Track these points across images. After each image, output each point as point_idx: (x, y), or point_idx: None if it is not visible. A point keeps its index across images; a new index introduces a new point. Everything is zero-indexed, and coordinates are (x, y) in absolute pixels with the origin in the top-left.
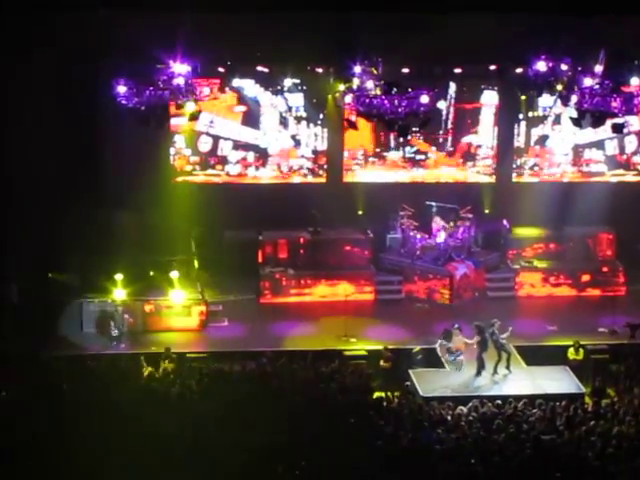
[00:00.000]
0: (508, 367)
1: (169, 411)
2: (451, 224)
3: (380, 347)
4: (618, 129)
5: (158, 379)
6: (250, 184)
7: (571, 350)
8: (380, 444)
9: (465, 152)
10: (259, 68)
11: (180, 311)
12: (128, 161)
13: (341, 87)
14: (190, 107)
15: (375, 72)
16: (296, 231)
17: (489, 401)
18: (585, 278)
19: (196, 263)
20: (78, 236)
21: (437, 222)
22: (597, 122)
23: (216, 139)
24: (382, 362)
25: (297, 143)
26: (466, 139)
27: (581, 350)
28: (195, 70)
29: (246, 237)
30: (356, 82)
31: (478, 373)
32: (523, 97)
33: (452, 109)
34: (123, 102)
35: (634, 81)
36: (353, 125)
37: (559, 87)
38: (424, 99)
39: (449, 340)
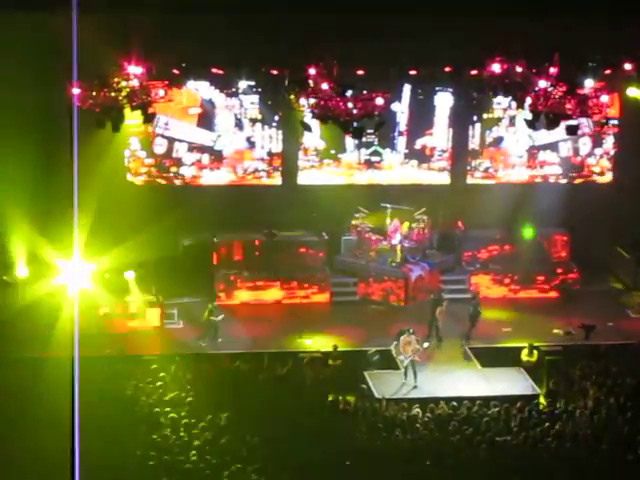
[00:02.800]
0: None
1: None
2: (406, 225)
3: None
4: (572, 131)
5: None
6: (205, 186)
7: (525, 352)
8: (335, 446)
9: (420, 154)
10: (214, 70)
11: (135, 313)
12: (82, 163)
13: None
14: (144, 109)
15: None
16: (251, 233)
17: (444, 402)
18: (539, 279)
19: (151, 265)
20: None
21: (392, 224)
22: (551, 124)
23: (171, 141)
24: (331, 361)
25: (252, 145)
26: (421, 141)
27: (535, 352)
28: (150, 72)
29: (201, 239)
30: (311, 84)
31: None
32: (477, 99)
33: (407, 111)
34: (77, 104)
35: (588, 83)
36: (308, 127)
37: (513, 89)
38: (379, 101)
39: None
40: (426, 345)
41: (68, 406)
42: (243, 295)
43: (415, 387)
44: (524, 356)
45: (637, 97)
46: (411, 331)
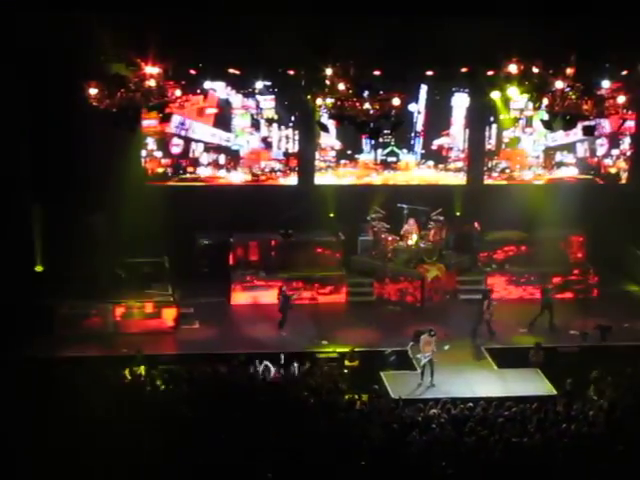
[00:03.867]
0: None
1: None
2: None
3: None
4: (589, 132)
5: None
6: (221, 186)
7: (532, 351)
8: (351, 445)
9: (436, 154)
10: (231, 70)
11: (151, 313)
12: (100, 163)
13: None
14: (162, 109)
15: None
16: (267, 233)
17: (460, 403)
18: (556, 281)
19: (167, 265)
20: (49, 237)
21: (409, 224)
22: (568, 125)
23: (187, 141)
24: (347, 361)
25: (268, 145)
26: (437, 141)
27: (541, 351)
28: (166, 72)
29: (217, 239)
30: (328, 84)
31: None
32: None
33: (423, 111)
34: (94, 104)
35: (605, 84)
36: (325, 127)
37: (530, 90)
38: (396, 101)
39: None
40: (446, 348)
41: None
42: (259, 295)
43: (433, 386)
44: (533, 356)
45: None
46: (432, 333)
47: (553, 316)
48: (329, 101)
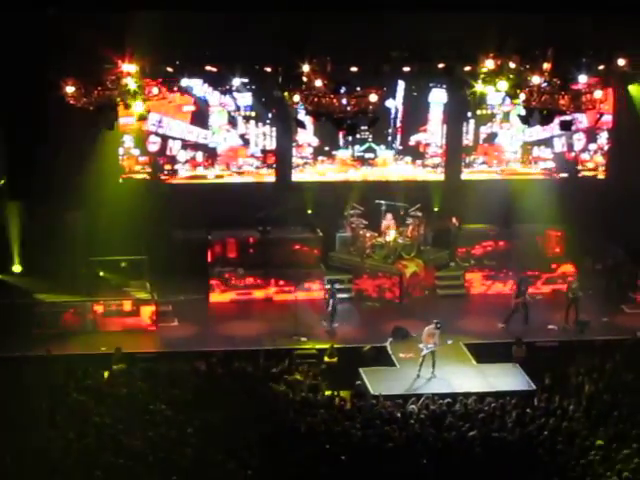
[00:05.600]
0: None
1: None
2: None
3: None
4: (566, 126)
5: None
6: (199, 184)
7: (515, 347)
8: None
9: (414, 150)
10: (207, 68)
11: (130, 311)
12: (77, 161)
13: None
14: (139, 107)
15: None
16: (245, 230)
17: (440, 399)
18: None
19: (145, 263)
20: (26, 236)
21: (387, 220)
22: (545, 120)
23: (165, 139)
24: (327, 358)
25: (246, 142)
26: (415, 137)
27: (523, 346)
28: (143, 70)
29: (195, 237)
30: (304, 81)
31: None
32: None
33: (401, 107)
34: (72, 102)
35: (582, 78)
36: (302, 124)
37: (507, 85)
38: (373, 98)
39: (399, 338)
40: (450, 342)
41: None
42: (237, 292)
43: (434, 377)
44: (516, 351)
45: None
46: (439, 325)
47: (578, 312)
48: (306, 98)
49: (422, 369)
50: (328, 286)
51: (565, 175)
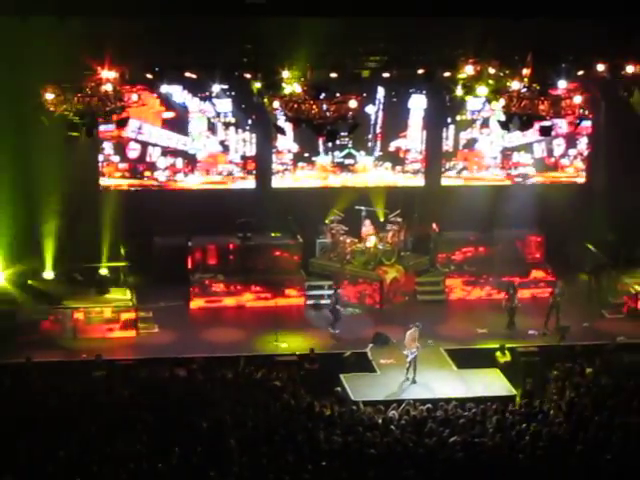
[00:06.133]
0: (407, 378)
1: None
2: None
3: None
4: (546, 132)
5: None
6: (179, 190)
7: (498, 353)
8: (312, 449)
9: (394, 156)
10: (187, 74)
11: (110, 318)
12: (56, 168)
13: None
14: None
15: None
16: (225, 237)
17: (420, 404)
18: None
19: (126, 270)
20: (3, 242)
21: (367, 226)
22: (525, 125)
23: (144, 145)
24: (307, 365)
25: (225, 149)
26: (395, 143)
27: (507, 352)
28: (123, 76)
29: (175, 243)
30: (284, 87)
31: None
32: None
33: (381, 113)
34: (51, 109)
35: (561, 84)
36: (281, 130)
37: (487, 90)
38: (352, 104)
39: (380, 344)
40: (430, 342)
41: None
42: (218, 299)
43: (414, 383)
44: (499, 357)
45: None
46: (420, 326)
47: (559, 317)
48: (286, 104)
49: (409, 372)
50: (331, 292)
51: (543, 180)
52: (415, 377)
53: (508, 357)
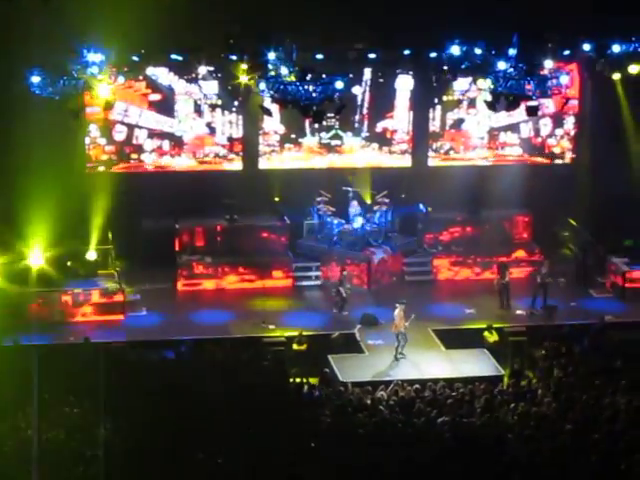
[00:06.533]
0: (401, 353)
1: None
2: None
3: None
4: (532, 112)
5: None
6: (166, 172)
7: (486, 333)
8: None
9: (381, 137)
10: (173, 56)
11: (98, 301)
12: (43, 151)
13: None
14: (104, 94)
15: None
16: (213, 219)
17: (409, 385)
18: (502, 260)
19: (113, 252)
20: None
21: (354, 207)
22: (511, 105)
23: (131, 128)
24: (296, 345)
25: (212, 130)
26: (382, 124)
27: (494, 332)
28: (109, 58)
29: (163, 225)
30: (270, 68)
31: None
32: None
33: (367, 94)
34: (37, 92)
35: (548, 64)
36: (268, 112)
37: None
38: (339, 85)
39: (368, 325)
40: (413, 317)
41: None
42: (206, 280)
43: (404, 356)
44: (487, 336)
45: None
46: (405, 302)
47: (547, 297)
48: (272, 85)
49: (398, 353)
50: (343, 273)
51: (532, 159)
52: (404, 353)
53: (496, 337)
